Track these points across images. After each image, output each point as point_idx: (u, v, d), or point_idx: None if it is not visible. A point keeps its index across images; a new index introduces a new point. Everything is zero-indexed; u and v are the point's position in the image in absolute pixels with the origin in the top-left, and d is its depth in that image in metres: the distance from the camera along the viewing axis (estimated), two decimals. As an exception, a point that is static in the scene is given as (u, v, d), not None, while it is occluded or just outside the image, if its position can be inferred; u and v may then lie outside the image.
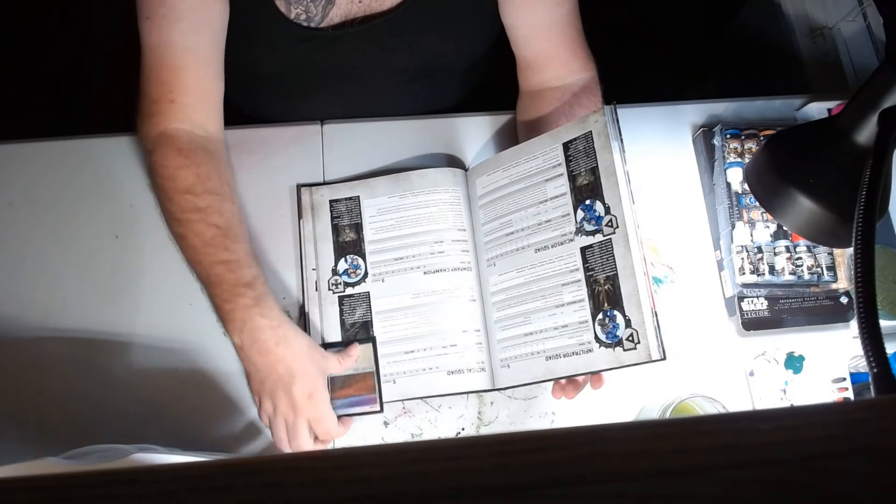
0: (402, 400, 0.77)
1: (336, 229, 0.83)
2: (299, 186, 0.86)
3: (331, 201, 0.84)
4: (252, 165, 0.87)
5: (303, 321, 0.81)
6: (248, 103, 0.99)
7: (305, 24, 0.78)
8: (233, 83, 0.82)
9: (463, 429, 0.79)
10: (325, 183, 0.87)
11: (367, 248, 0.82)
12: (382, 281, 0.80)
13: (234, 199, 0.78)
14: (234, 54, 0.87)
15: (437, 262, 0.80)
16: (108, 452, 0.66)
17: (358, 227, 0.83)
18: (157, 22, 0.74)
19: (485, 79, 1.01)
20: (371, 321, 0.79)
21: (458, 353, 0.77)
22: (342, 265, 0.82)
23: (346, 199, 0.84)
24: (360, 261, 0.81)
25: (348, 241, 0.82)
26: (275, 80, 0.89)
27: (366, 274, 0.81)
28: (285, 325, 0.72)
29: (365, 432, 0.78)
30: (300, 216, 0.85)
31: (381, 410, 0.76)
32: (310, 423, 0.72)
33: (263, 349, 0.71)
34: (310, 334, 0.79)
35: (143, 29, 0.75)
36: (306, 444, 0.71)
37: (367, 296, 0.80)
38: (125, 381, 0.78)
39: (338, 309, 0.80)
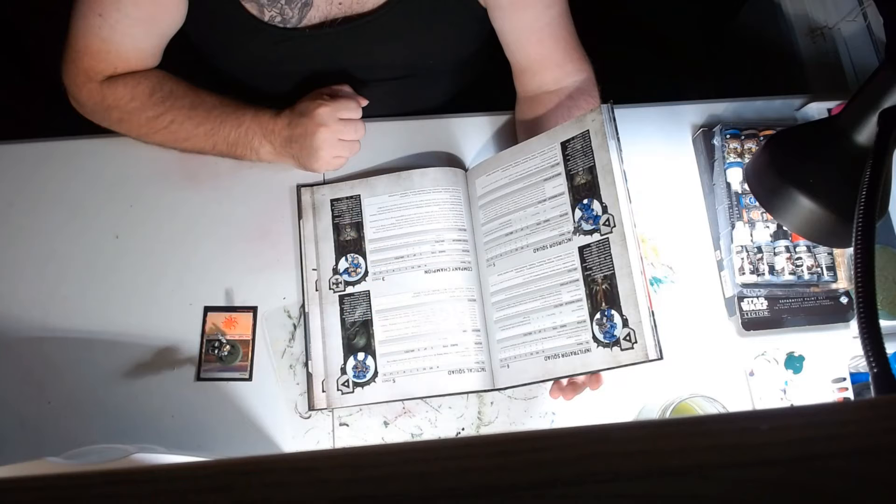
0: (402, 400, 0.77)
1: (337, 228, 0.83)
2: (299, 186, 0.86)
3: (332, 200, 0.84)
4: (252, 165, 0.87)
5: (303, 321, 0.81)
6: None
7: (281, 25, 0.78)
8: (226, 91, 0.84)
9: (463, 429, 0.79)
10: (325, 182, 0.87)
11: (368, 246, 0.82)
12: (383, 280, 0.80)
13: (164, 79, 0.83)
14: (218, 64, 0.87)
15: (437, 262, 0.80)
16: (108, 452, 0.66)
17: (359, 226, 0.83)
18: (108, 21, 0.77)
19: (480, 78, 1.01)
20: (371, 320, 0.79)
21: (458, 352, 0.77)
22: (343, 264, 0.82)
23: (346, 197, 0.84)
24: (361, 259, 0.81)
25: (349, 240, 0.82)
26: (265, 84, 0.89)
27: (366, 273, 0.81)
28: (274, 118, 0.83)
29: (365, 432, 0.78)
30: (300, 216, 0.85)
31: (251, 379, 0.79)
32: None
33: (286, 131, 0.82)
34: (310, 335, 0.79)
35: (88, 23, 0.78)
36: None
37: (367, 294, 0.80)
38: (125, 380, 0.78)
39: (338, 308, 0.80)
